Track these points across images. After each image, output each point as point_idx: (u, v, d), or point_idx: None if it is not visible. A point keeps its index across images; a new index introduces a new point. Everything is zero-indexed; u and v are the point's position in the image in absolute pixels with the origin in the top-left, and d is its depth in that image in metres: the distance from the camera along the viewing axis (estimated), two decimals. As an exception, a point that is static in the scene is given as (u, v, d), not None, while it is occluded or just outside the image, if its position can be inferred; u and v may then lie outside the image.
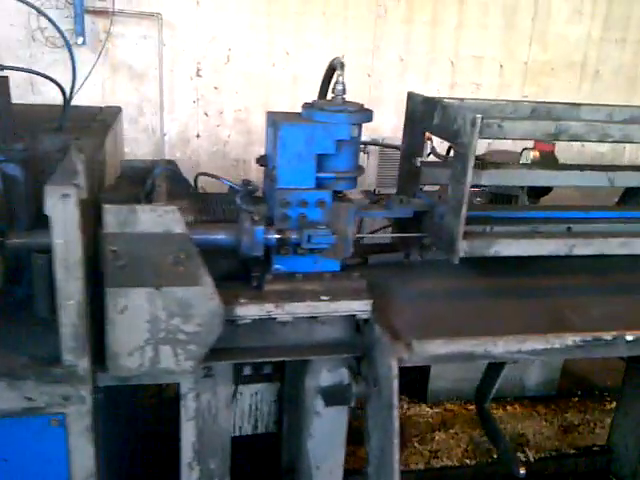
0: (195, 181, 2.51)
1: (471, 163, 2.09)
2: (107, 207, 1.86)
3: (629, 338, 2.34)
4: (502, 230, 2.41)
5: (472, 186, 2.98)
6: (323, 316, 2.19)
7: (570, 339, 2.28)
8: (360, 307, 2.19)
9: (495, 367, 2.67)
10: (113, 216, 1.87)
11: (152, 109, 7.29)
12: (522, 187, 3.77)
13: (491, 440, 2.86)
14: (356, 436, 2.54)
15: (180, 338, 2.05)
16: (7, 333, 2.10)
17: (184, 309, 2.01)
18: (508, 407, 4.26)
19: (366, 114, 2.20)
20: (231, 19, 7.06)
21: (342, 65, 2.21)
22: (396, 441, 2.01)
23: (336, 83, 2.21)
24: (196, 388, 2.25)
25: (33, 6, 2.36)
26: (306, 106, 2.23)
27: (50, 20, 2.36)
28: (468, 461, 3.58)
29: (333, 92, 2.22)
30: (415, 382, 4.32)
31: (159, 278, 1.96)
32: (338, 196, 2.25)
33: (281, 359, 2.31)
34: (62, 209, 1.78)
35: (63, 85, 2.36)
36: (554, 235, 2.38)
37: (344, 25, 7.21)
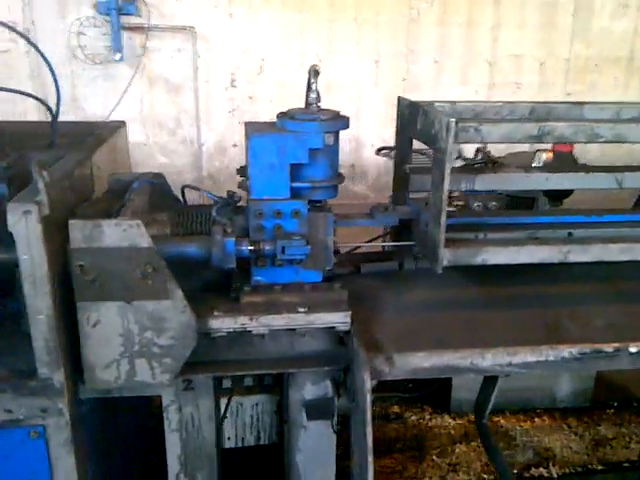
0: (182, 194, 2.51)
1: (448, 169, 1.99)
2: (72, 222, 1.87)
3: (633, 350, 2.19)
4: (491, 237, 2.29)
5: (476, 191, 2.91)
6: (302, 328, 2.14)
7: (566, 351, 2.16)
8: (339, 319, 2.12)
9: (491, 380, 2.55)
10: (79, 231, 1.88)
11: (189, 120, 7.43)
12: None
13: (489, 457, 2.73)
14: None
15: (155, 351, 2.05)
16: (-7, 346, 2.15)
17: (156, 322, 2.01)
18: (536, 419, 4.05)
19: (341, 122, 2.14)
20: (263, 29, 7.12)
21: (316, 72, 2.17)
22: (370, 458, 1.94)
23: (310, 91, 2.17)
24: (177, 401, 2.25)
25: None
26: (280, 115, 2.20)
27: (31, 43, 2.40)
28: (486, 476, 3.43)
29: (308, 100, 2.18)
30: (439, 392, 4.20)
31: (129, 292, 1.97)
32: (316, 206, 2.20)
33: (261, 372, 2.28)
34: (24, 226, 1.82)
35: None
36: (548, 242, 2.25)
37: (376, 30, 7.16)
